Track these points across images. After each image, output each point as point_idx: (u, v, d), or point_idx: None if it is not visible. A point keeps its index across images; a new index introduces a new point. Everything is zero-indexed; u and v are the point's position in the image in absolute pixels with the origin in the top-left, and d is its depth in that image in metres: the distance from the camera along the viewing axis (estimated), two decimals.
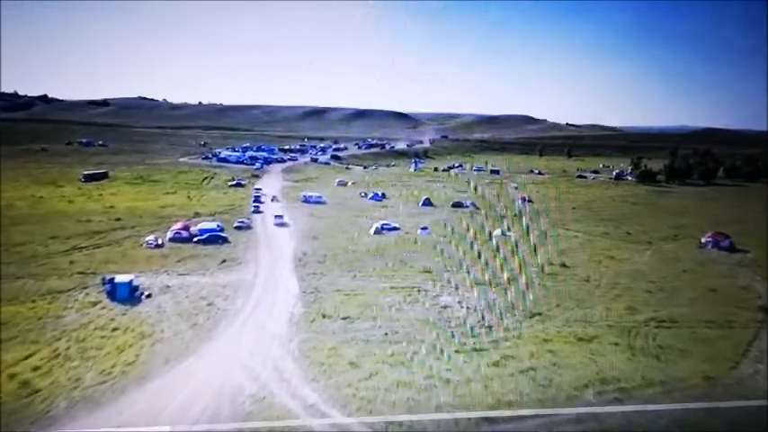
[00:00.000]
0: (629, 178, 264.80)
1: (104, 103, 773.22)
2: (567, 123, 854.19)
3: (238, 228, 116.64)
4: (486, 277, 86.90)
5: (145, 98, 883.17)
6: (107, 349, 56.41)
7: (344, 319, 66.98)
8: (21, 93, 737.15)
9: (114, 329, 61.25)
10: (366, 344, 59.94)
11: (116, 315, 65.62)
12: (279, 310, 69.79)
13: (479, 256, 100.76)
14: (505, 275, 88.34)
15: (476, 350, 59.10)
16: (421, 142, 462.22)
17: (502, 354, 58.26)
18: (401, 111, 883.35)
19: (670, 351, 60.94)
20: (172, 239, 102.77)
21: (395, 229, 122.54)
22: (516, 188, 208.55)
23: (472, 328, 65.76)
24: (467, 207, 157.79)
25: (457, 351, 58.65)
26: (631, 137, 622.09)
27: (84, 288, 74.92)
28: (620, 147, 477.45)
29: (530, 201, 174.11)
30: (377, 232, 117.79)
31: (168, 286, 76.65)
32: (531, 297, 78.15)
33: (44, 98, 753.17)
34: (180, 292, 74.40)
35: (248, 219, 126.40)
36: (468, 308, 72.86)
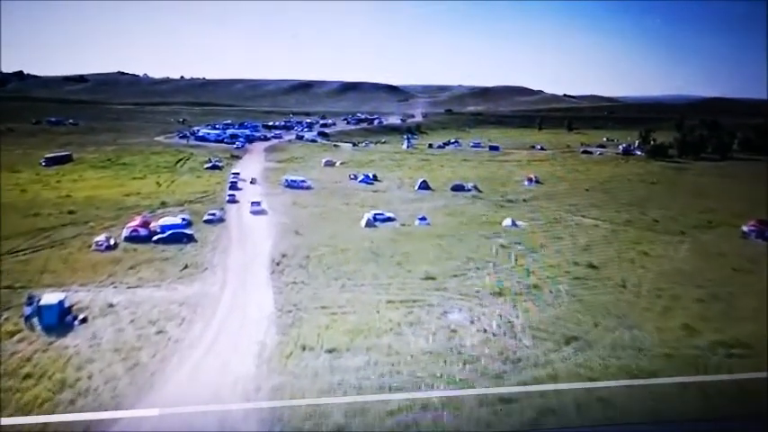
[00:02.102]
0: (639, 153, 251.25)
1: (81, 78, 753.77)
2: (564, 95, 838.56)
3: (209, 221, 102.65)
4: (503, 284, 73.44)
5: (124, 73, 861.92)
6: (10, 409, 42.63)
7: (330, 352, 53.16)
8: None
9: (26, 377, 47.32)
10: (358, 392, 46.30)
11: (35, 352, 51.68)
12: (247, 338, 56.08)
13: (489, 253, 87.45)
14: (524, 281, 74.97)
15: (503, 401, 45.35)
16: (413, 116, 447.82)
17: (537, 408, 44.50)
18: (391, 83, 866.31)
19: (757, 396, 47.55)
20: (128, 239, 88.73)
21: (389, 219, 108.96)
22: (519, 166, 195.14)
23: (492, 360, 52.28)
24: (468, 191, 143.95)
25: (481, 404, 44.93)
26: (632, 108, 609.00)
27: (7, 309, 61.01)
28: (621, 118, 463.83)
29: (537, 181, 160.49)
30: (369, 224, 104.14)
31: (111, 305, 62.73)
32: (561, 312, 64.83)
33: (20, 74, 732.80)
34: (125, 314, 60.54)
35: (221, 209, 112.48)
36: (484, 330, 59.28)
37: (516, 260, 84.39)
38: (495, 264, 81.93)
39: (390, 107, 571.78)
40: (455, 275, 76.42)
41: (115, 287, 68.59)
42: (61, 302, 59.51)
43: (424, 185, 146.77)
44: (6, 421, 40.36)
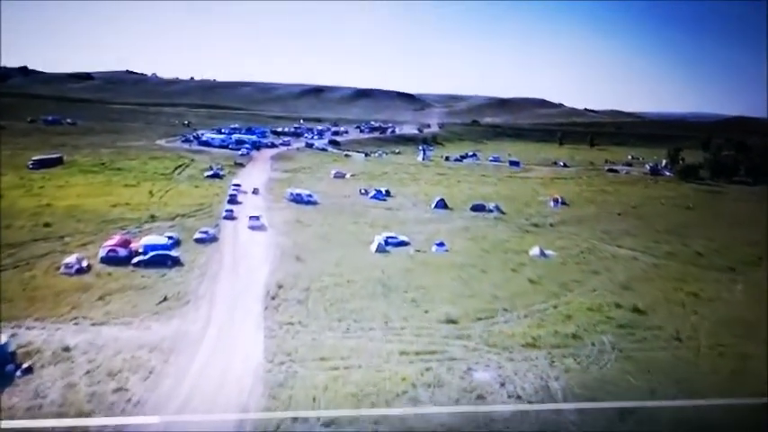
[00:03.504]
0: (667, 173, 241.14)
1: (87, 76, 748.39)
2: (585, 109, 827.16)
3: (200, 240, 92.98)
4: (536, 331, 63.47)
5: (132, 72, 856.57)
6: None
7: (328, 426, 43.42)
8: (1, 64, 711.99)
9: None
10: None
11: None
12: (226, 401, 46.31)
13: (518, 289, 77.55)
14: (561, 328, 64.97)
15: None
16: (429, 126, 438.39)
17: None
18: (406, 91, 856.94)
19: None
20: (104, 260, 78.98)
21: (402, 244, 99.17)
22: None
23: None
24: (489, 211, 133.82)
25: None
26: (654, 124, 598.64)
27: None
28: (644, 135, 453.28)
29: (563, 203, 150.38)
30: (380, 249, 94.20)
31: (67, 348, 53.01)
32: (609, 372, 54.90)
33: (23, 70, 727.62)
34: (81, 361, 50.87)
35: (216, 226, 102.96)
36: (517, 396, 49.42)
37: (549, 300, 74.50)
38: (525, 304, 72.01)
39: (405, 116, 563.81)
40: (479, 318, 66.52)
41: (77, 324, 58.82)
42: (4, 346, 49.93)
43: (442, 204, 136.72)
44: (7, 424, 38.31)
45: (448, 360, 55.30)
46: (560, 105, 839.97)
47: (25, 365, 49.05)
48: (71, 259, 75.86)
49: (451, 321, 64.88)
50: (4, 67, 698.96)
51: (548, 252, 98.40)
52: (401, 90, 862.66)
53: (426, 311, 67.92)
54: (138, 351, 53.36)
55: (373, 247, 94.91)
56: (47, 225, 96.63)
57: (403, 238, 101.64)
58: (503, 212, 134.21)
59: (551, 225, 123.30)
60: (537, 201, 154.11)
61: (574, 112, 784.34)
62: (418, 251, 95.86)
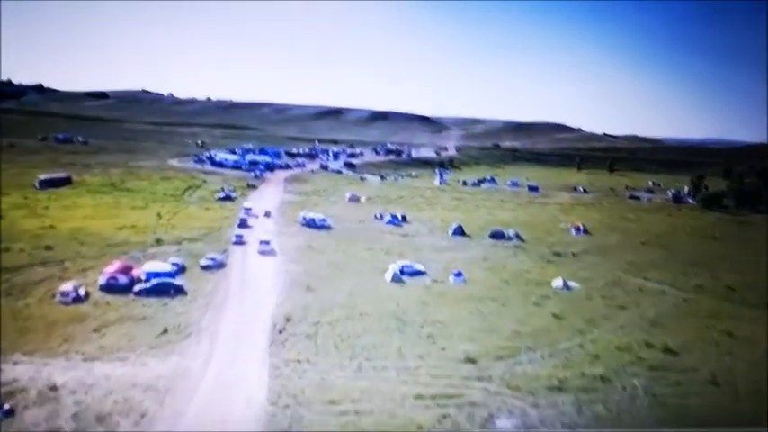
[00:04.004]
0: (690, 201, 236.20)
1: (103, 95, 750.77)
2: (604, 134, 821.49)
3: (207, 267, 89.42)
4: (562, 373, 59.26)
5: (148, 92, 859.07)
6: None
7: None
8: (17, 81, 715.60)
9: None
10: None
11: None
12: None
13: (541, 325, 73.42)
14: (588, 369, 60.71)
15: None
16: (446, 149, 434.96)
17: None
18: (423, 114, 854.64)
19: None
20: (103, 287, 75.40)
21: (419, 273, 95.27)
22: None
23: None
24: (509, 239, 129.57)
25: None
26: (673, 150, 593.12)
27: None
28: (664, 161, 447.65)
29: (585, 231, 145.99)
30: (395, 279, 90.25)
31: (54, 387, 49.27)
32: (642, 422, 50.68)
33: (39, 88, 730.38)
34: (68, 403, 47.11)
35: (224, 252, 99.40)
36: None
37: (575, 337, 70.28)
38: (549, 342, 67.84)
39: (422, 138, 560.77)
40: (501, 357, 62.42)
41: (68, 359, 55.08)
42: None
43: (459, 231, 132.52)
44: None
45: (468, 405, 51.19)
46: (578, 130, 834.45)
47: (7, 406, 45.36)
48: (68, 287, 72.17)
49: (471, 360, 60.77)
50: (20, 85, 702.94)
51: (571, 284, 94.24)
52: (418, 113, 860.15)
53: (443, 348, 63.91)
54: (130, 391, 49.57)
55: (388, 276, 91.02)
56: (48, 248, 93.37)
57: (419, 266, 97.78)
58: (522, 240, 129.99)
59: (574, 254, 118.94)
60: (558, 228, 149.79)
61: (592, 136, 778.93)
62: (435, 281, 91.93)
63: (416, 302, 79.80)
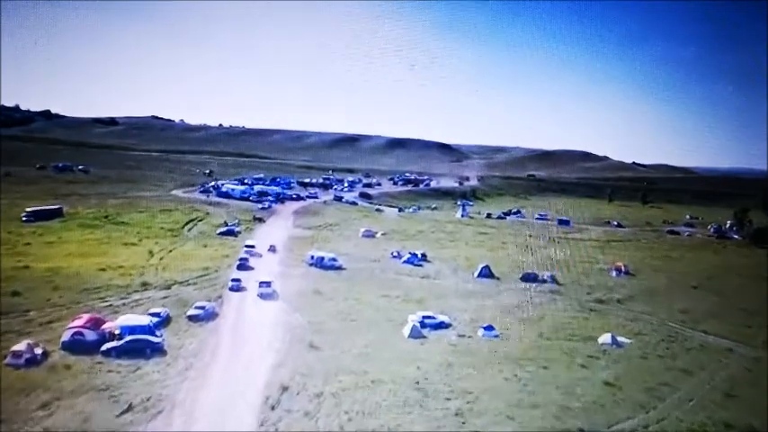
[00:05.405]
0: (735, 236, 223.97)
1: (112, 121, 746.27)
2: (633, 162, 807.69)
3: (194, 318, 78.60)
4: None
5: (158, 118, 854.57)
6: None
7: None
8: (25, 108, 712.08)
9: None
10: None
11: None
12: None
13: (593, 396, 62.03)
14: None
15: None
16: (468, 179, 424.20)
17: None
18: (443, 141, 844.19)
19: None
20: (66, 345, 64.85)
21: (442, 325, 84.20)
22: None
23: None
24: (543, 282, 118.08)
25: None
26: (709, 180, 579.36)
27: None
28: (699, 192, 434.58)
29: (628, 272, 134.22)
30: (414, 334, 79.05)
31: None
32: None
33: (46, 114, 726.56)
34: None
35: (219, 299, 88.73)
36: None
37: (636, 414, 58.77)
38: (606, 422, 56.40)
39: (442, 168, 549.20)
40: None
41: None
42: None
43: (487, 272, 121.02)
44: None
45: None
46: (605, 158, 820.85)
47: None
48: (21, 346, 61.30)
49: None
50: (27, 111, 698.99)
51: (621, 339, 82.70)
52: (438, 140, 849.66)
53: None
54: None
55: (406, 330, 79.89)
56: (15, 294, 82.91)
57: (443, 318, 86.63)
58: (559, 283, 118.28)
59: (618, 301, 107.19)
60: (597, 270, 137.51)
61: (621, 165, 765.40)
62: (462, 336, 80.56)
63: (440, 365, 68.51)
